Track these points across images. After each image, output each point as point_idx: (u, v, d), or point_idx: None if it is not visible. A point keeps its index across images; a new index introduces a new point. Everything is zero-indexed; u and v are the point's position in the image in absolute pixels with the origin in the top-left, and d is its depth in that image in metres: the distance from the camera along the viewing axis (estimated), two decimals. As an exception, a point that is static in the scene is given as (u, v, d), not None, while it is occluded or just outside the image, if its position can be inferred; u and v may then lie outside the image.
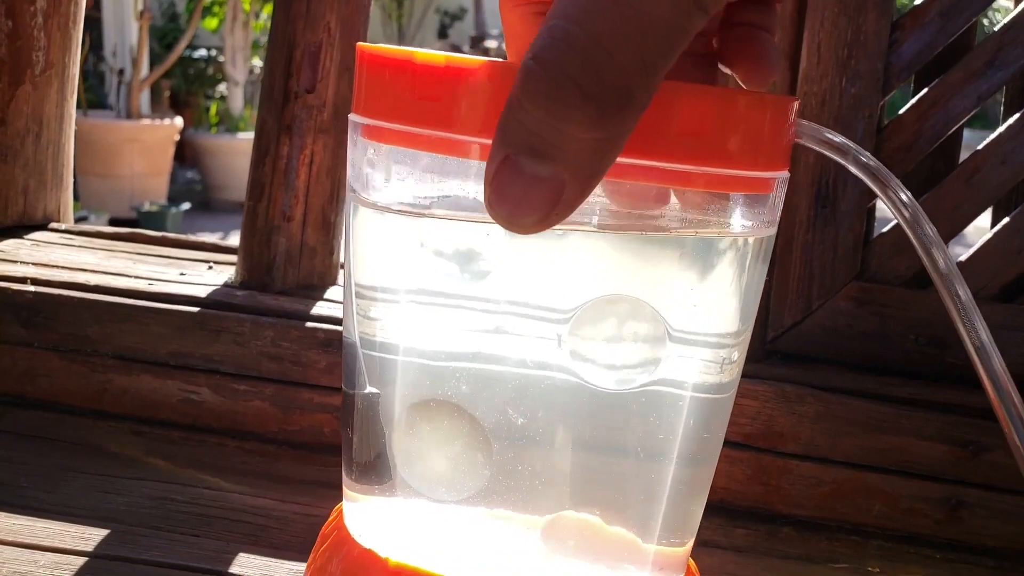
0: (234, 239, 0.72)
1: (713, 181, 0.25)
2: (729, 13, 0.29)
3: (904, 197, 0.25)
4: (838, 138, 0.26)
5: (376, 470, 0.31)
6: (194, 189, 4.57)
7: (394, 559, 0.30)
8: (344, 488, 0.33)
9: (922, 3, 0.54)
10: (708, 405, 0.30)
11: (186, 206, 3.89)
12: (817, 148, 0.26)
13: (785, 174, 0.27)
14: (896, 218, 0.25)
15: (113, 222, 3.61)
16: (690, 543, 0.32)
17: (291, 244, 0.59)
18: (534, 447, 0.28)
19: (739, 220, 0.28)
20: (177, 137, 4.15)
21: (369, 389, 0.30)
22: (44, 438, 0.55)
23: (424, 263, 0.28)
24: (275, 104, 0.59)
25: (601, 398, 0.28)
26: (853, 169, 0.26)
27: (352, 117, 0.28)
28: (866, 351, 0.54)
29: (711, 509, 0.52)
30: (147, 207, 3.76)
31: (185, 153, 4.56)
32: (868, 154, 0.26)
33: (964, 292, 0.25)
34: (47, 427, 0.56)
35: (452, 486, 0.30)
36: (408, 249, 0.28)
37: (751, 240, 0.28)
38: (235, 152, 4.30)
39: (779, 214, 0.29)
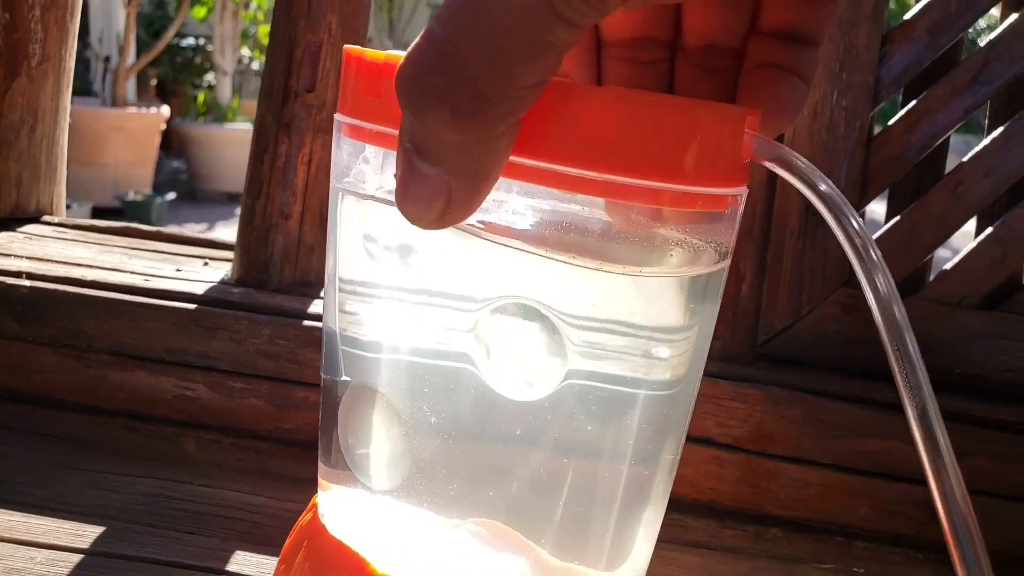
0: (220, 230, 0.73)
1: (633, 192, 0.24)
2: (757, 47, 0.27)
3: (856, 225, 0.24)
4: (801, 161, 0.24)
5: (331, 455, 0.32)
6: (180, 179, 4.55)
7: (356, 550, 0.31)
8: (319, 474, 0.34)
9: (911, 18, 0.55)
10: (634, 405, 0.28)
11: (171, 196, 3.88)
12: (773, 167, 0.24)
13: (734, 190, 0.25)
14: (846, 249, 0.24)
15: (97, 211, 3.59)
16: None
17: (288, 242, 0.60)
18: (449, 445, 0.29)
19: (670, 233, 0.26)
20: (163, 126, 4.12)
21: (324, 375, 0.32)
22: (38, 433, 0.55)
23: (362, 252, 0.30)
24: (275, 102, 0.59)
25: (509, 400, 0.27)
26: (808, 194, 0.24)
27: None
28: (853, 356, 0.55)
29: (701, 510, 0.53)
30: (132, 196, 3.74)
31: (171, 142, 4.54)
32: (827, 180, 0.24)
33: (900, 312, 0.24)
34: (41, 422, 0.56)
35: (374, 476, 0.31)
36: (353, 238, 0.30)
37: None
38: (222, 142, 4.28)
39: (728, 236, 0.27)
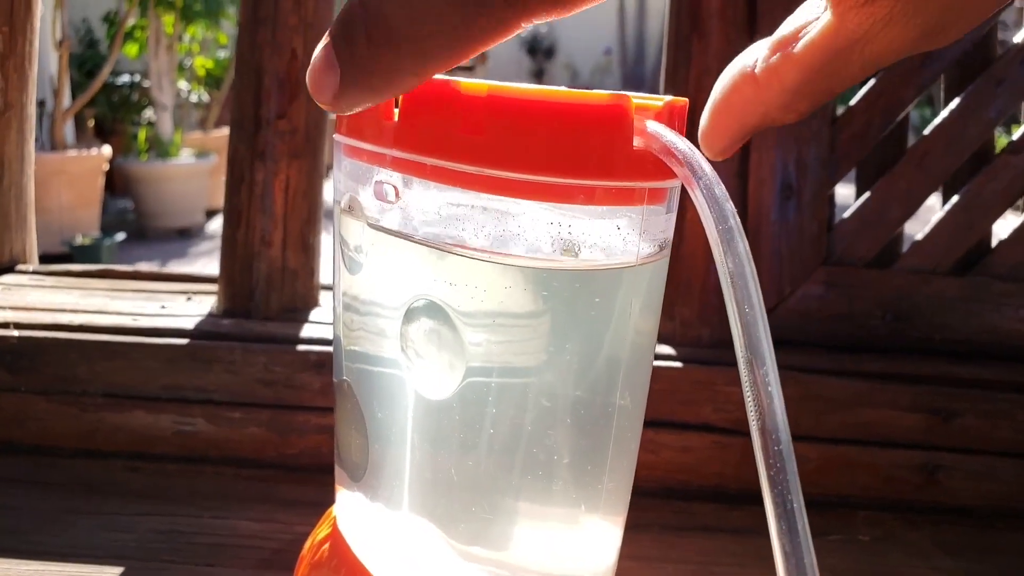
0: (174, 267, 0.72)
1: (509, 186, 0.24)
2: None
3: (733, 223, 0.23)
4: (682, 143, 0.24)
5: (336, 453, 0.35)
6: (127, 218, 4.47)
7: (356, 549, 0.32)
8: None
9: None
10: (539, 403, 0.27)
11: (121, 236, 3.81)
12: (659, 155, 0.24)
13: (635, 183, 0.25)
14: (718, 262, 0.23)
15: (45, 258, 3.51)
16: None
17: (272, 268, 0.60)
18: (395, 446, 0.29)
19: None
20: (106, 166, 4.05)
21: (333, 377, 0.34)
22: (38, 482, 0.54)
23: (340, 256, 0.31)
24: (246, 132, 0.59)
25: (433, 402, 0.28)
26: (690, 189, 0.24)
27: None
28: (838, 331, 0.57)
29: (707, 495, 0.54)
30: (80, 240, 3.67)
31: (115, 182, 4.47)
32: (709, 171, 0.23)
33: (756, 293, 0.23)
34: (40, 471, 0.55)
35: (343, 466, 0.33)
36: (334, 245, 0.32)
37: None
38: (167, 178, 4.23)
39: (653, 230, 0.26)
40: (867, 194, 0.58)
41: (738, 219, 0.23)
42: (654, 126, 0.24)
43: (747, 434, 0.54)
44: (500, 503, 0.28)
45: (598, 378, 0.28)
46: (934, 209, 0.61)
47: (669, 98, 0.27)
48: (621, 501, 0.31)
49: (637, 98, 0.26)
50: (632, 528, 0.52)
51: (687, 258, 0.57)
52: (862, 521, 0.53)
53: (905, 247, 0.59)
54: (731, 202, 0.23)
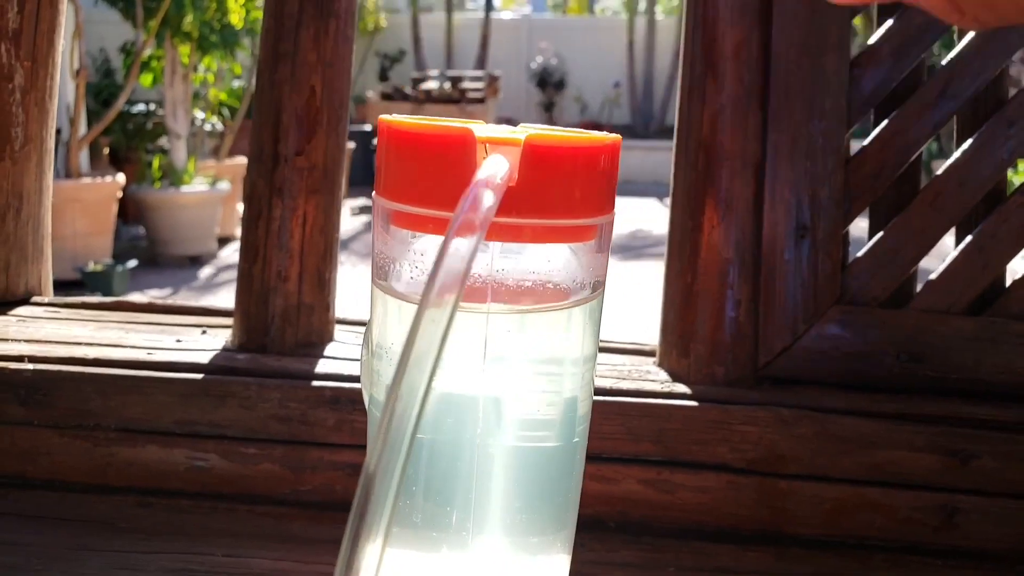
0: (184, 295, 0.73)
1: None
2: None
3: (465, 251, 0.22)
4: (479, 193, 0.23)
5: None
6: (139, 246, 4.50)
7: None
8: None
9: (875, 43, 0.58)
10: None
11: (133, 263, 3.83)
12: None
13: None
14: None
15: (58, 284, 3.52)
16: None
17: (288, 304, 0.60)
18: None
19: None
20: (120, 194, 4.08)
21: None
22: (50, 518, 0.54)
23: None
24: (265, 167, 0.60)
25: None
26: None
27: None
28: (853, 370, 0.57)
29: (723, 536, 0.54)
30: (92, 267, 3.69)
31: (128, 210, 4.49)
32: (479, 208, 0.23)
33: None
34: (52, 506, 0.55)
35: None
36: None
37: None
38: (180, 206, 4.25)
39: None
40: (880, 233, 0.58)
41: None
42: (490, 163, 0.25)
43: (762, 474, 0.54)
44: None
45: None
46: (948, 249, 0.61)
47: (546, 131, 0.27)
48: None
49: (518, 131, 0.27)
50: (651, 568, 0.52)
51: (701, 295, 0.57)
52: (879, 564, 0.53)
53: (919, 286, 0.59)
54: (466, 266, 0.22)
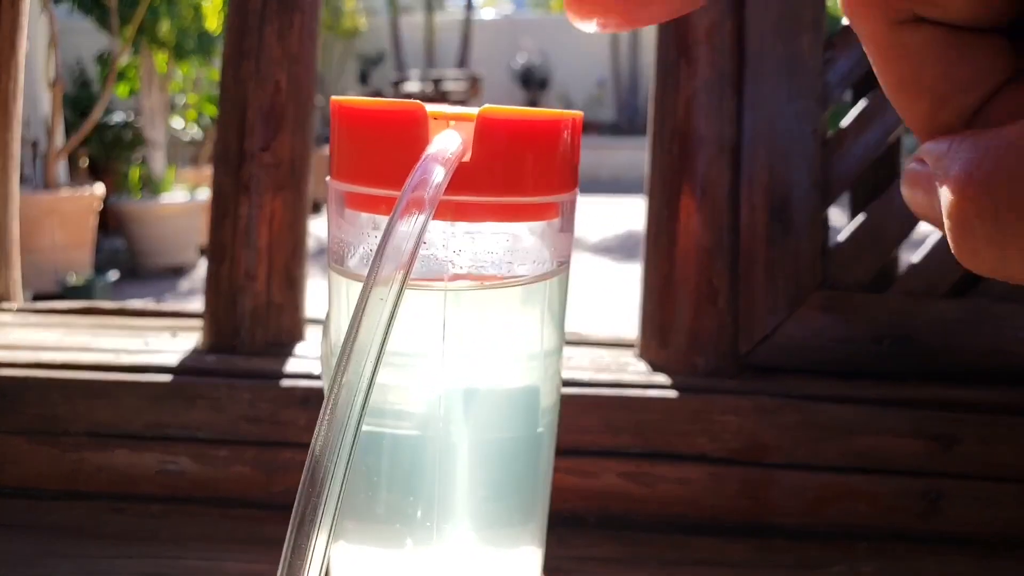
0: (168, 304, 0.71)
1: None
2: None
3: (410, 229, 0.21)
4: (426, 172, 0.22)
5: None
6: (120, 257, 4.46)
7: None
8: None
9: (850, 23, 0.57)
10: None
11: (114, 275, 3.80)
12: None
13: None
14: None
15: (38, 298, 3.49)
16: None
17: (257, 303, 0.59)
18: None
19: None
20: (99, 205, 4.05)
21: None
22: (18, 526, 0.53)
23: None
24: (230, 165, 0.59)
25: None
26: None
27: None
28: (835, 357, 0.56)
29: (704, 528, 0.53)
30: (73, 280, 3.65)
31: (108, 221, 4.46)
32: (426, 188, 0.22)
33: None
34: (20, 514, 0.54)
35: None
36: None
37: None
38: (160, 216, 4.22)
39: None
40: (861, 216, 0.57)
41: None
42: (441, 138, 0.24)
43: (744, 463, 0.53)
44: None
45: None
46: (929, 231, 0.60)
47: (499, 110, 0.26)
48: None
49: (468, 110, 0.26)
50: (632, 562, 0.51)
51: (679, 283, 0.57)
52: (864, 552, 0.52)
53: (901, 270, 0.58)
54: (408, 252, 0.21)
